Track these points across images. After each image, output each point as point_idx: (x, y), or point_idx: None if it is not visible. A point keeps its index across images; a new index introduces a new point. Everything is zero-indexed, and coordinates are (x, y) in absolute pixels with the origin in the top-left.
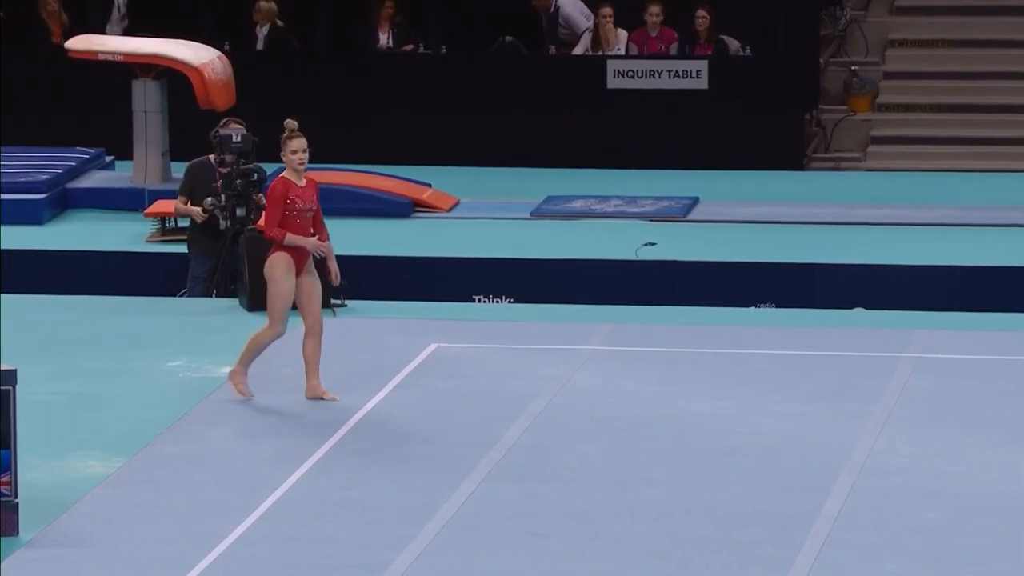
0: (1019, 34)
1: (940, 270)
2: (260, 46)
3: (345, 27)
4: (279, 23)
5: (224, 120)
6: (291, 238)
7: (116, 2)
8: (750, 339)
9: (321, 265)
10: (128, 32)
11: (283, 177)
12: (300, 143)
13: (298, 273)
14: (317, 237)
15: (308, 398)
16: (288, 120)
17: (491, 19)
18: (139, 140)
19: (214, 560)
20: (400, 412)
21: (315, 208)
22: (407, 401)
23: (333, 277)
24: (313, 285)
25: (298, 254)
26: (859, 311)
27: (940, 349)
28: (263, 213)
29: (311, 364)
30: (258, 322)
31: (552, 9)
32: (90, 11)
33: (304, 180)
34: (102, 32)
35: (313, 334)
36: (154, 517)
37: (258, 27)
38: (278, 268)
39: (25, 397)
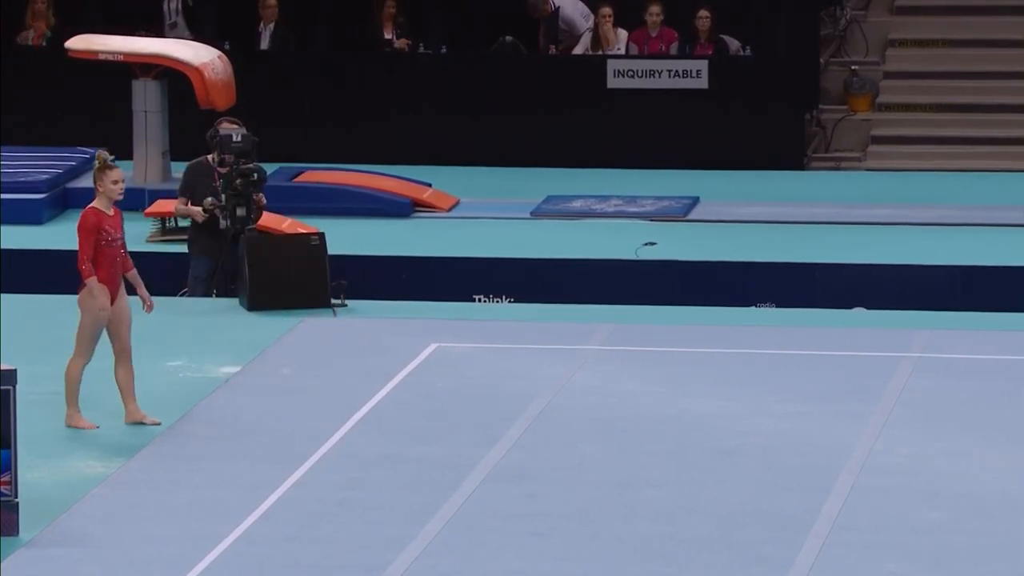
0: (1019, 34)
1: (940, 270)
2: (264, 45)
3: (346, 26)
4: (279, 20)
5: (219, 120)
6: (94, 283)
7: (166, 9)
8: (750, 339)
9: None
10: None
11: (94, 208)
12: (119, 173)
13: (112, 301)
14: (123, 264)
15: (127, 423)
16: (100, 151)
17: (491, 19)
18: (139, 140)
19: (214, 560)
20: (400, 412)
21: (122, 237)
22: (407, 401)
23: (147, 306)
24: (124, 312)
25: (111, 282)
26: (859, 311)
27: (940, 349)
28: (262, 213)
29: (126, 390)
30: (258, 322)
31: (551, 11)
32: (89, 11)
33: (112, 210)
34: (108, 32)
35: (123, 360)
36: (154, 517)
37: (262, 24)
38: (93, 300)
39: (26, 397)
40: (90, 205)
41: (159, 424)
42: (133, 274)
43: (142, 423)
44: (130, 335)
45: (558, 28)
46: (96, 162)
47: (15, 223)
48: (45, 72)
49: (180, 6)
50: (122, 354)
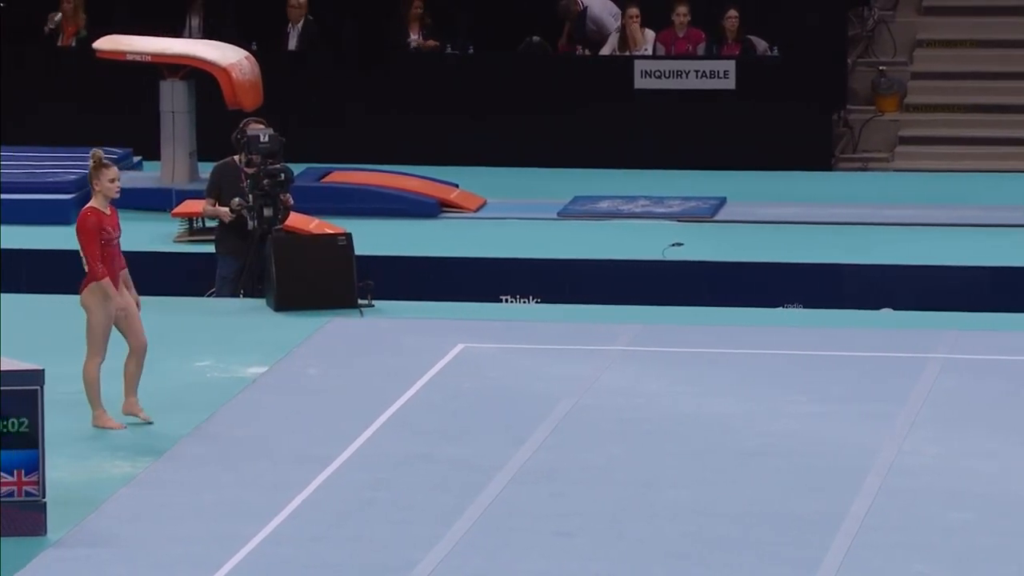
0: None
1: (968, 270)
2: (292, 45)
3: (373, 27)
4: (310, 17)
5: (245, 120)
6: (108, 284)
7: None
8: (777, 340)
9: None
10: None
11: (92, 208)
12: (115, 171)
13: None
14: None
15: (124, 413)
16: (95, 150)
17: (518, 19)
18: (167, 140)
19: (240, 560)
20: (427, 412)
21: (119, 233)
22: (434, 401)
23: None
24: (131, 305)
25: (114, 280)
26: (886, 311)
27: (968, 349)
28: (289, 213)
29: (130, 383)
30: (284, 322)
31: (580, 10)
32: (117, 11)
33: (109, 209)
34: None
35: (138, 354)
36: (181, 517)
37: (290, 25)
38: (95, 298)
39: (53, 397)
40: (88, 205)
41: (151, 423)
42: (124, 273)
43: (136, 416)
44: (143, 331)
45: (587, 28)
46: (91, 161)
47: (43, 223)
48: (74, 73)
49: (201, 25)
50: (138, 349)
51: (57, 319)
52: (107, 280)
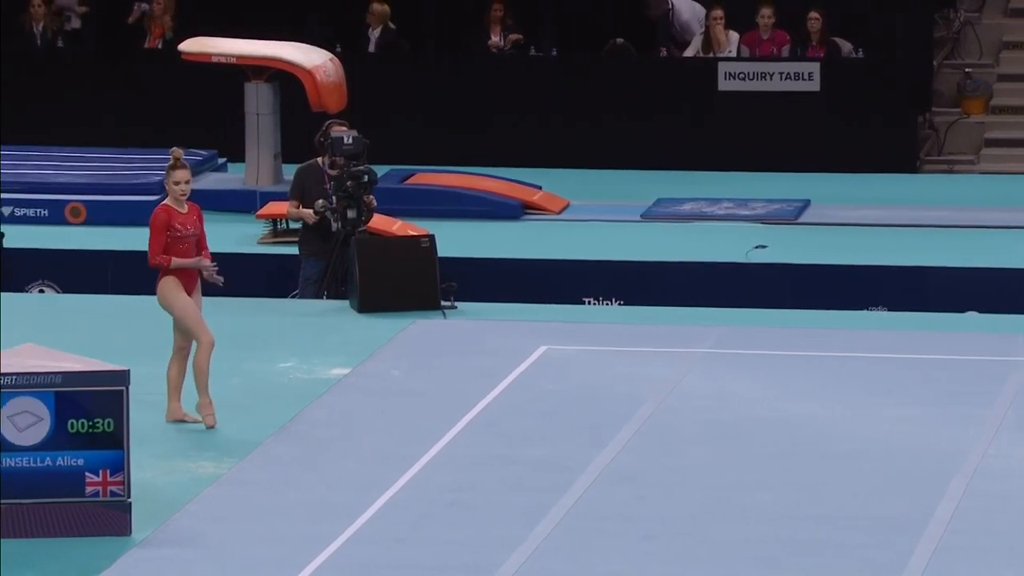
0: None
1: None
2: (372, 49)
3: (455, 29)
4: (391, 26)
5: (327, 123)
6: (177, 261)
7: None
8: (861, 342)
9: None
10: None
11: (165, 205)
12: (184, 174)
13: (188, 294)
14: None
15: (168, 421)
16: (174, 149)
17: (601, 21)
18: (251, 142)
19: (324, 560)
20: (510, 414)
21: (198, 232)
22: (517, 403)
23: (213, 275)
24: (199, 306)
25: (187, 276)
26: (972, 314)
27: None
28: (372, 215)
29: (175, 388)
30: (368, 323)
31: (668, 8)
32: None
33: (186, 207)
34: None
35: (181, 357)
36: (265, 517)
37: (370, 30)
38: (171, 289)
39: (138, 397)
40: (163, 202)
41: (199, 421)
42: (207, 262)
43: (183, 421)
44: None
45: (672, 30)
46: (170, 160)
47: (130, 224)
48: (161, 75)
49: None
50: (180, 351)
51: (141, 320)
52: (168, 278)
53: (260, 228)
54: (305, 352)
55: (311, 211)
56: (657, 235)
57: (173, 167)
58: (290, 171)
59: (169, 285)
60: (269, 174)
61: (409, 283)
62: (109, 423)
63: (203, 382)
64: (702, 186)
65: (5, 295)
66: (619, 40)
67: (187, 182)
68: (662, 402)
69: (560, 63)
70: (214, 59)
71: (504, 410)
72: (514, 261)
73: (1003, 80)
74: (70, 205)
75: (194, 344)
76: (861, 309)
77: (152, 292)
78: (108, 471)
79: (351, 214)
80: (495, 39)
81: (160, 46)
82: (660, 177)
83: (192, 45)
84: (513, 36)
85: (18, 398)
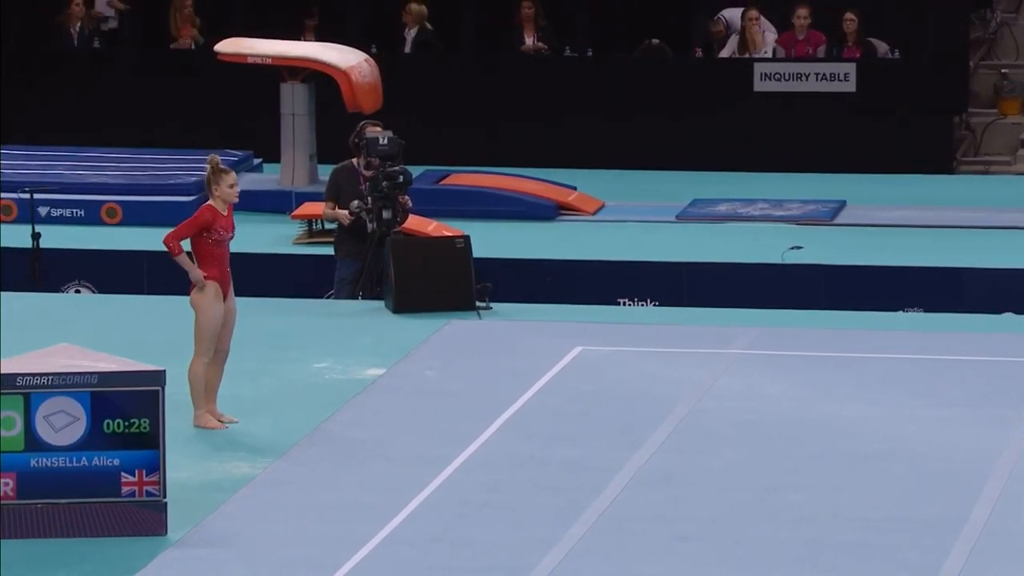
0: None
1: None
2: (408, 49)
3: (490, 30)
4: (428, 26)
5: (362, 123)
6: (183, 259)
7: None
8: (897, 343)
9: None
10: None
11: (210, 206)
12: (234, 177)
13: (224, 298)
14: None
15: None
16: (212, 156)
17: (637, 21)
18: (287, 143)
19: (359, 561)
20: (544, 415)
21: (232, 235)
22: (551, 404)
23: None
24: (230, 314)
25: (224, 280)
26: (1008, 316)
27: None
28: (408, 216)
29: (210, 391)
30: (403, 324)
31: (724, 32)
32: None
33: (227, 210)
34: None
35: (218, 361)
36: (300, 518)
37: (407, 30)
38: (207, 298)
39: (174, 398)
40: (207, 203)
41: (236, 422)
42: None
43: (220, 421)
44: (231, 338)
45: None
46: (209, 167)
47: (165, 225)
48: (195, 75)
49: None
50: (218, 355)
51: (177, 320)
52: (209, 283)
53: (295, 229)
54: (340, 353)
55: (346, 212)
56: (692, 236)
57: (218, 172)
58: (325, 172)
59: (210, 292)
60: (304, 175)
61: (444, 284)
62: (145, 423)
63: (197, 392)
64: (737, 187)
65: (42, 295)
66: (654, 40)
67: (238, 184)
68: (696, 403)
69: (595, 63)
70: (250, 60)
71: (538, 411)
72: (549, 262)
73: None
74: (106, 206)
75: (193, 347)
76: (897, 310)
77: (187, 292)
78: (144, 471)
79: (386, 215)
80: (528, 42)
81: (192, 47)
82: (695, 178)
83: (228, 46)
84: (539, 44)
85: (54, 398)
